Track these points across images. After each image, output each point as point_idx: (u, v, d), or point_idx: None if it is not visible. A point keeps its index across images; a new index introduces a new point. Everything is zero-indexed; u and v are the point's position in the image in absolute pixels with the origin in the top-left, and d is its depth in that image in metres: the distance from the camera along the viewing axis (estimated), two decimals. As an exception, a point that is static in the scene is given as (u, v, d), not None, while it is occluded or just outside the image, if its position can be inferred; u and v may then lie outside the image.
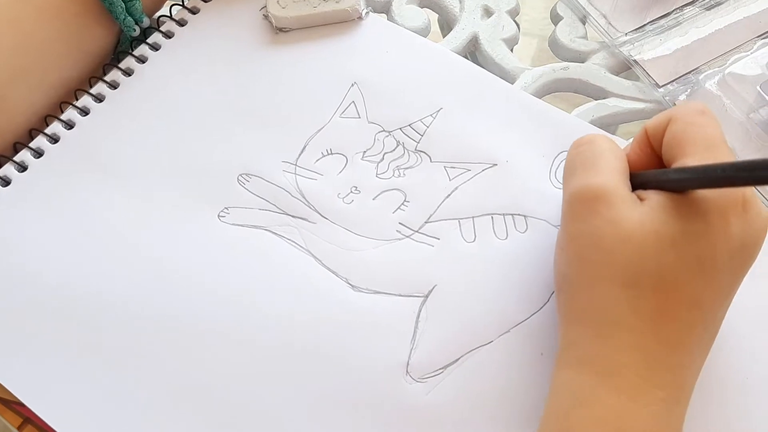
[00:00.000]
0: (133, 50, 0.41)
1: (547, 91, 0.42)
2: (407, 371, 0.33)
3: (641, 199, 0.28)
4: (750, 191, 0.28)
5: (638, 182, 0.29)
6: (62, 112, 0.39)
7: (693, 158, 0.28)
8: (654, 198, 0.28)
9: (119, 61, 0.41)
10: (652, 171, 0.30)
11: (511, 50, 0.44)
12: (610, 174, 0.29)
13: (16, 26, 0.36)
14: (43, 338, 0.33)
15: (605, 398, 0.27)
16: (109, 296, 0.34)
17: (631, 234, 0.27)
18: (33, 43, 0.37)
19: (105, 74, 0.40)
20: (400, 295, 0.34)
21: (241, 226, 0.36)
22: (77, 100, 0.39)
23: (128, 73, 0.40)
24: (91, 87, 0.40)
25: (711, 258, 0.27)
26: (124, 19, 0.39)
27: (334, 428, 0.32)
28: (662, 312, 0.27)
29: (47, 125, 0.38)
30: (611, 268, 0.27)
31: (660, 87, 0.41)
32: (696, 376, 0.29)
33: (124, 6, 0.39)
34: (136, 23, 0.40)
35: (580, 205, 0.29)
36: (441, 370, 0.33)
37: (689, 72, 0.42)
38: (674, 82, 0.41)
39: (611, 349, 0.27)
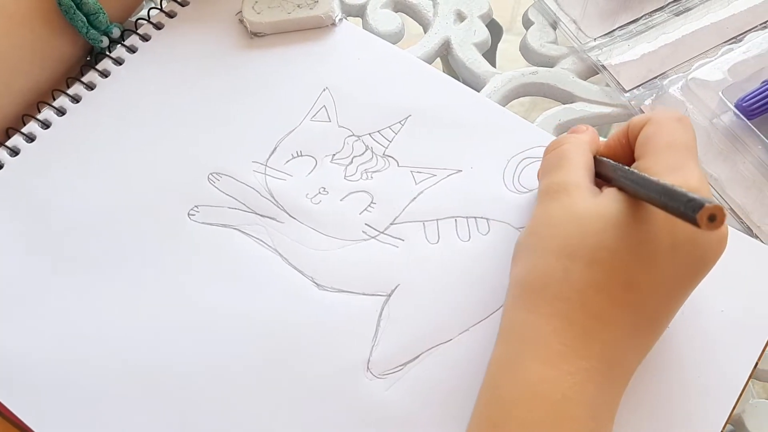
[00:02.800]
0: (110, 52, 0.42)
1: (516, 95, 0.43)
2: (368, 367, 0.33)
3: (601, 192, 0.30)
4: (707, 192, 0.29)
5: (600, 170, 0.32)
6: (39, 111, 0.40)
7: (649, 159, 0.30)
8: (610, 190, 0.30)
9: (97, 63, 0.42)
10: (612, 163, 0.31)
11: (483, 54, 0.45)
12: (574, 171, 0.31)
13: None
14: (10, 332, 0.34)
15: (528, 364, 0.28)
16: (77, 291, 0.35)
17: (581, 214, 0.29)
18: None
19: (82, 75, 0.41)
20: (364, 294, 0.35)
21: (210, 224, 0.37)
22: (54, 100, 0.40)
23: (105, 74, 0.41)
24: (68, 88, 0.41)
25: (651, 244, 0.28)
26: (87, 33, 0.40)
27: (296, 421, 0.32)
28: (592, 285, 0.28)
29: (24, 124, 0.39)
30: (554, 239, 0.29)
31: (626, 92, 0.42)
32: (632, 363, 0.30)
33: (85, 20, 0.39)
34: (106, 33, 0.41)
35: (545, 196, 0.31)
36: (401, 367, 0.34)
37: (656, 77, 0.43)
38: (640, 87, 0.42)
39: (538, 316, 0.28)
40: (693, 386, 0.33)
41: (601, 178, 0.32)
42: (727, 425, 0.32)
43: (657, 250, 0.28)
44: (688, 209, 0.23)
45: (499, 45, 0.67)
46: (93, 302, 0.35)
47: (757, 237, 0.37)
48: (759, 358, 0.33)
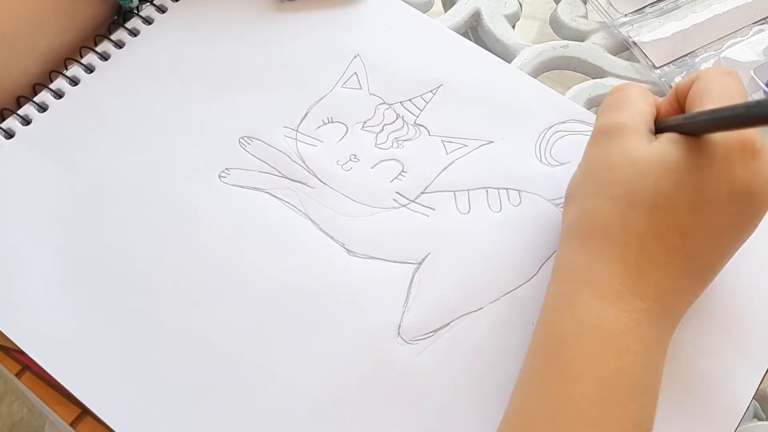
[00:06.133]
0: (139, 11, 0.41)
1: (546, 68, 0.43)
2: (399, 333, 0.34)
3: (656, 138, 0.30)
4: (762, 141, 0.29)
5: (660, 128, 0.31)
6: (67, 68, 0.39)
7: (707, 107, 0.29)
8: (667, 135, 0.30)
9: (125, 21, 0.41)
10: (671, 117, 0.31)
11: (513, 27, 0.44)
12: (632, 113, 0.31)
13: None
14: (43, 287, 0.34)
15: (588, 302, 0.29)
16: (110, 249, 0.35)
17: (638, 159, 0.29)
18: (24, 12, 0.37)
19: (111, 33, 0.41)
20: (395, 261, 0.35)
21: (241, 187, 0.37)
22: (82, 57, 0.40)
23: (134, 33, 0.41)
24: (96, 46, 0.40)
25: (708, 191, 0.28)
26: None
27: (327, 384, 0.33)
28: (651, 231, 0.29)
29: (51, 81, 0.39)
30: (612, 186, 0.29)
31: (656, 68, 0.42)
32: (684, 305, 0.30)
33: None
34: None
35: (600, 136, 0.31)
36: (431, 333, 0.34)
37: (686, 55, 0.43)
38: (671, 64, 0.42)
39: (597, 258, 0.29)
40: (720, 358, 0.33)
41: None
42: (752, 400, 0.33)
43: (714, 198, 0.28)
44: None
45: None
46: (121, 263, 0.35)
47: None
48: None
